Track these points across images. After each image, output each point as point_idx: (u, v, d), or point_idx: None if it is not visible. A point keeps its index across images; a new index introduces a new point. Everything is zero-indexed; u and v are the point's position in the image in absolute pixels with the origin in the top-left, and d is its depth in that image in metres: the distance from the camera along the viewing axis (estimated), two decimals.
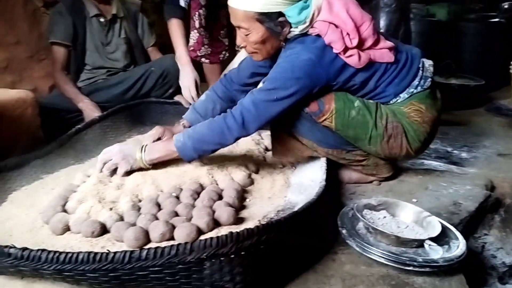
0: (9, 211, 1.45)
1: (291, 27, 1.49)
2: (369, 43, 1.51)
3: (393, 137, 1.58)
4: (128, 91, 2.45)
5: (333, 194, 1.64)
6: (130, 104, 2.42)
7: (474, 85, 3.01)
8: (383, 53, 1.54)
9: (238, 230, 0.96)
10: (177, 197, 1.44)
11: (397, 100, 1.60)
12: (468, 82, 3.07)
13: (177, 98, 2.48)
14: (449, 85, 2.96)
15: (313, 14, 1.47)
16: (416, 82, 1.59)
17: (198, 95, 2.28)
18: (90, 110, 2.32)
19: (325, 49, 1.47)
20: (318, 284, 1.12)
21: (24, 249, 0.95)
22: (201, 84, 3.00)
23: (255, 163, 1.76)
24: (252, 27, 1.49)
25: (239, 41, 1.57)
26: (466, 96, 2.95)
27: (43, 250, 0.94)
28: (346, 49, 1.47)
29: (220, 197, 1.47)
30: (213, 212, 1.32)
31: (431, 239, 1.26)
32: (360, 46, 1.49)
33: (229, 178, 1.59)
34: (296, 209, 1.40)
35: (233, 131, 1.47)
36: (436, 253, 1.24)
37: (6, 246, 0.96)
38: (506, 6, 3.79)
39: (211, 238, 0.92)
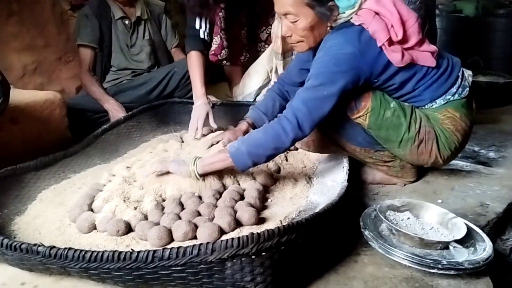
0: (38, 209, 1.50)
1: (339, 13, 1.46)
2: (413, 41, 1.47)
3: (424, 142, 1.56)
4: (152, 92, 2.49)
5: (355, 194, 1.63)
6: (154, 104, 2.45)
7: (503, 83, 2.93)
8: (425, 56, 1.51)
9: (258, 231, 0.96)
10: (200, 197, 1.46)
11: (432, 105, 1.58)
12: (497, 79, 2.99)
13: None
14: (477, 82, 2.89)
15: (359, 1, 1.45)
16: (454, 89, 1.57)
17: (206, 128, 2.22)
18: (115, 111, 2.37)
19: (369, 43, 1.44)
20: (339, 285, 1.12)
21: (52, 247, 0.98)
22: (222, 84, 3.05)
23: (276, 163, 1.77)
24: (301, 12, 1.46)
25: (284, 30, 1.53)
26: (495, 94, 2.88)
27: (69, 248, 0.97)
28: (390, 41, 1.44)
29: (242, 197, 1.48)
30: (235, 212, 1.33)
31: (456, 241, 1.24)
32: (404, 42, 1.46)
33: (251, 178, 1.60)
34: (317, 209, 1.40)
35: (289, 133, 1.41)
36: (461, 255, 1.21)
37: (35, 245, 0.99)
38: None
39: (232, 238, 0.93)
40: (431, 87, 1.55)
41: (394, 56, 1.45)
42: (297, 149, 1.91)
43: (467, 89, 1.59)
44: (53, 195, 1.61)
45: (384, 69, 1.48)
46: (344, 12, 1.46)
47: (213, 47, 2.70)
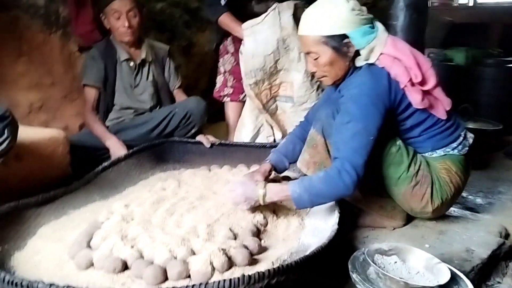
0: (38, 245, 1.54)
1: (358, 52, 1.62)
2: (431, 83, 1.61)
3: (420, 184, 1.65)
4: (153, 131, 2.56)
5: (346, 237, 1.68)
6: (154, 143, 2.53)
7: (492, 130, 3.03)
8: (439, 107, 1.65)
9: (250, 273, 1.01)
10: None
11: (432, 154, 1.71)
12: (486, 127, 3.09)
13: (198, 138, 2.59)
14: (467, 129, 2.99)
15: (377, 43, 1.60)
16: (455, 145, 1.70)
17: None
18: (116, 148, 2.44)
19: (394, 84, 1.59)
20: None
21: (51, 284, 1.03)
22: (221, 123, 3.18)
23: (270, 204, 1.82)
24: (320, 50, 1.62)
25: (309, 67, 1.71)
26: (484, 141, 2.96)
27: (68, 286, 1.02)
28: (412, 83, 1.58)
29: (236, 236, 1.53)
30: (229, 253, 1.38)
31: (441, 286, 1.29)
32: (423, 84, 1.60)
33: (247, 221, 1.64)
34: (308, 252, 1.46)
35: (350, 186, 1.50)
36: None
37: (36, 282, 1.04)
38: None
39: (224, 280, 0.99)
40: (435, 137, 1.69)
41: (416, 96, 1.59)
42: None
43: (467, 148, 1.72)
44: (52, 231, 1.65)
45: (404, 110, 1.62)
46: (362, 50, 1.60)
47: (217, 86, 2.89)
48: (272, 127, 2.73)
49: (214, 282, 0.98)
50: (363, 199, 1.74)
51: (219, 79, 2.94)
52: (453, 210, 1.95)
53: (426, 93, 1.63)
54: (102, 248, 1.42)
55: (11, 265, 1.40)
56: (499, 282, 1.59)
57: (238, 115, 2.85)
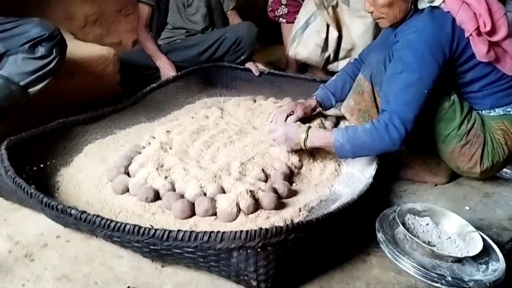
0: (82, 163, 1.63)
1: None
2: (502, 33, 1.44)
3: (470, 144, 1.54)
4: (203, 54, 2.54)
5: (382, 188, 1.64)
6: (203, 66, 2.52)
7: None
8: (506, 61, 1.49)
9: (267, 227, 1.02)
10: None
11: (490, 112, 1.57)
12: None
13: (248, 65, 2.54)
14: None
15: None
16: None
17: None
18: (166, 69, 2.45)
19: (458, 32, 1.44)
20: (342, 284, 1.17)
21: (83, 212, 1.09)
22: (277, 46, 3.07)
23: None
24: None
25: (366, 6, 1.56)
26: None
27: (97, 216, 1.08)
28: (478, 32, 1.43)
29: (267, 178, 1.54)
30: (257, 195, 1.39)
31: (470, 256, 1.24)
32: (492, 34, 1.44)
33: (281, 162, 1.63)
34: (338, 202, 1.45)
35: (396, 142, 1.41)
36: (471, 272, 1.22)
37: (69, 207, 1.11)
38: None
39: (241, 231, 1.00)
40: (497, 94, 1.54)
41: (480, 48, 1.43)
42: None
43: None
44: (97, 149, 1.73)
45: (465, 62, 1.47)
46: None
47: (269, 2, 2.75)
48: (327, 25, 2.52)
49: (231, 232, 0.99)
50: (407, 152, 1.65)
51: None
52: (505, 172, 1.82)
53: (493, 45, 1.45)
54: (138, 175, 1.48)
55: (56, 181, 1.51)
56: None
57: None
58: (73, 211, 1.10)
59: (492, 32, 1.43)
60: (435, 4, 1.45)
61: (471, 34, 1.42)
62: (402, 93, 1.43)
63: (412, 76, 1.42)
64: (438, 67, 1.42)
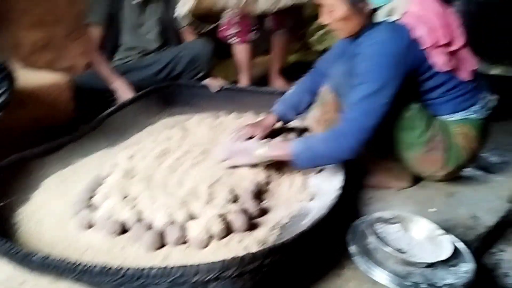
0: (42, 199, 1.55)
1: (375, 9, 1.49)
2: (458, 44, 1.50)
3: (434, 150, 1.58)
4: (160, 73, 2.51)
5: (349, 197, 1.65)
6: (161, 85, 2.49)
7: None
8: (466, 68, 1.54)
9: (242, 254, 1.00)
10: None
11: (451, 117, 1.61)
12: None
13: (205, 82, 2.53)
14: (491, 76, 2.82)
15: (399, 2, 1.47)
16: (477, 107, 1.60)
17: None
18: (123, 91, 2.41)
19: (416, 43, 1.47)
20: None
21: (45, 257, 1.04)
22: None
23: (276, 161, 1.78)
24: (335, 4, 1.50)
25: (324, 18, 1.58)
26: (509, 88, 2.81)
27: (62, 260, 1.03)
28: (435, 45, 1.47)
29: (236, 198, 1.52)
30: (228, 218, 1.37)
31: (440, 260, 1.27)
32: (448, 46, 1.48)
33: (249, 180, 1.61)
34: (310, 217, 1.45)
35: (353, 149, 1.47)
36: (443, 275, 1.25)
37: (30, 254, 1.05)
38: None
39: (216, 262, 0.98)
40: (456, 100, 1.59)
41: (439, 59, 1.47)
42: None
43: (489, 111, 1.62)
44: (57, 183, 1.66)
45: (424, 72, 1.51)
46: (381, 6, 1.48)
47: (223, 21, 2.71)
48: None
49: (205, 264, 0.97)
50: (370, 160, 1.68)
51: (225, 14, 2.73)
52: (465, 170, 1.89)
53: (451, 54, 1.50)
54: (103, 208, 1.43)
55: (14, 221, 1.43)
56: (502, 251, 1.57)
57: (249, 57, 2.73)
58: (34, 258, 1.05)
59: (449, 44, 1.48)
60: (392, 19, 1.48)
61: (429, 47, 1.46)
62: (362, 102, 1.47)
63: (372, 86, 1.45)
64: (398, 78, 1.46)
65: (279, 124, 1.96)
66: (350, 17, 1.51)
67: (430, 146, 1.57)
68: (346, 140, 1.46)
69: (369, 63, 1.48)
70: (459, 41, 1.50)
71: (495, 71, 2.98)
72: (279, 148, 1.61)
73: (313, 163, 1.56)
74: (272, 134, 1.89)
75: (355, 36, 1.58)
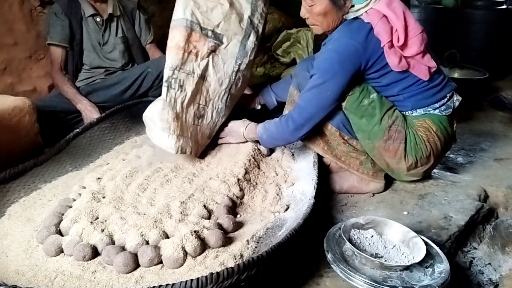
0: (6, 227, 1.48)
1: (352, 5, 1.58)
2: (413, 50, 1.55)
3: (393, 139, 1.63)
4: (126, 91, 2.45)
5: (323, 205, 1.66)
6: (128, 104, 2.42)
7: (477, 79, 2.95)
8: (421, 67, 1.60)
9: (218, 270, 0.98)
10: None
11: (412, 113, 1.67)
12: (472, 75, 3.02)
13: None
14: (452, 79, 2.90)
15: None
16: (437, 105, 1.66)
17: None
18: (88, 111, 2.34)
19: (373, 41, 1.54)
20: None
21: (14, 287, 0.99)
22: None
23: (248, 171, 1.77)
24: None
25: (303, 12, 1.66)
26: (469, 91, 2.89)
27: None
28: (391, 44, 1.54)
29: (210, 214, 1.49)
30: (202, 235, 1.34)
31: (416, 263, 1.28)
32: (404, 48, 1.54)
33: (222, 194, 1.59)
34: (284, 228, 1.44)
35: (294, 133, 1.68)
36: (419, 277, 1.26)
37: None
38: None
39: (191, 280, 0.95)
40: (416, 96, 1.64)
41: (392, 59, 1.55)
42: (270, 154, 1.94)
43: (450, 110, 1.68)
44: (22, 209, 1.59)
45: (380, 69, 1.58)
46: (355, 6, 1.56)
47: None
48: None
49: (181, 282, 0.94)
50: (343, 158, 1.72)
51: None
52: (434, 171, 1.93)
53: (405, 57, 1.56)
54: (72, 232, 1.37)
55: None
56: (475, 248, 1.60)
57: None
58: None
59: (404, 46, 1.54)
60: (358, 14, 1.56)
61: (384, 46, 1.53)
62: (308, 92, 1.62)
63: (319, 79, 1.58)
64: (344, 74, 1.56)
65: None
66: (329, 13, 1.58)
67: (389, 134, 1.62)
68: (293, 124, 1.65)
69: (321, 58, 1.60)
70: (414, 49, 1.54)
71: (454, 74, 3.09)
72: (251, 132, 1.86)
73: (272, 143, 1.83)
74: None
75: (330, 32, 1.65)
